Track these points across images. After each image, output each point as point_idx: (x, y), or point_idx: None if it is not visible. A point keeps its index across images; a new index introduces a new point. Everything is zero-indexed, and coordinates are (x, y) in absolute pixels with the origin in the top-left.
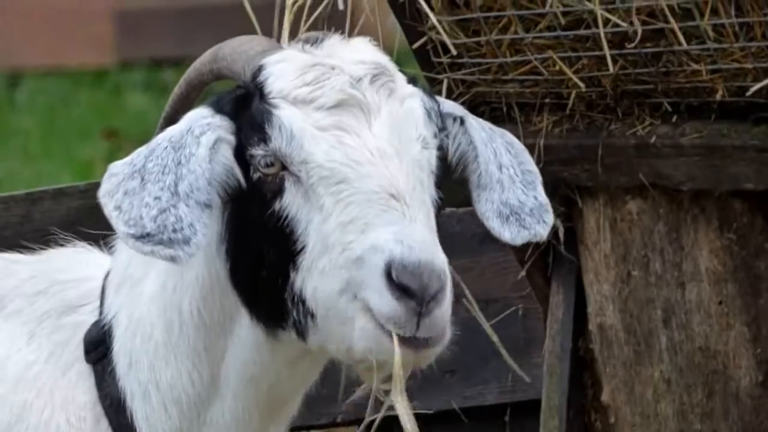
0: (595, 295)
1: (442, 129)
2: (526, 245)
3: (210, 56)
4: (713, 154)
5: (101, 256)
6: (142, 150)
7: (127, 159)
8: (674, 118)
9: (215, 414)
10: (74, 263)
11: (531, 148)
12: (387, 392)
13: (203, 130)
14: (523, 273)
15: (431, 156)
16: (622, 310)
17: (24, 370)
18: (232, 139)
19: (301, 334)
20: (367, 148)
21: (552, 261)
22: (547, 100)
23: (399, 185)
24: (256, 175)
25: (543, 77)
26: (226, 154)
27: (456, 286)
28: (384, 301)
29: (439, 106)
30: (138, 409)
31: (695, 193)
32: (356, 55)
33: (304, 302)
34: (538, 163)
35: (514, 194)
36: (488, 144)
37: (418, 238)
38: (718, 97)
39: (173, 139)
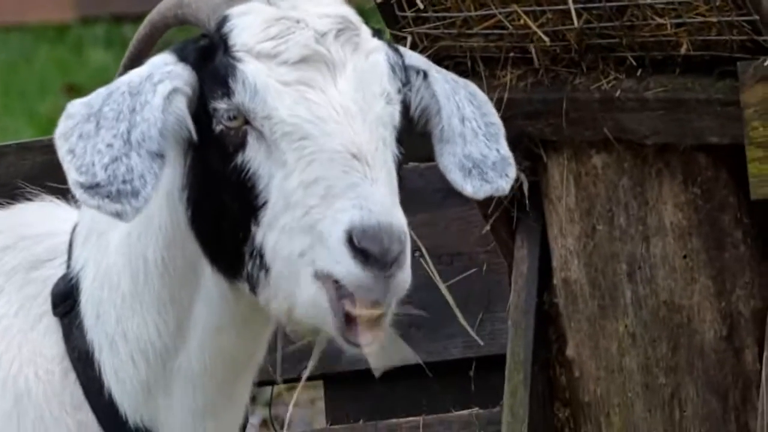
0: (560, 250)
1: (406, 83)
2: (489, 199)
3: (175, 0)
4: (678, 108)
5: (69, 210)
6: (102, 91)
7: (86, 99)
8: (639, 72)
9: (182, 364)
10: (42, 218)
11: (495, 103)
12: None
13: (161, 78)
14: (487, 228)
15: (394, 111)
16: (587, 265)
17: None
18: (188, 90)
19: (253, 288)
20: (332, 105)
21: (516, 216)
22: (511, 55)
23: (362, 145)
24: (218, 128)
25: (507, 31)
26: (180, 106)
27: (412, 243)
28: (351, 271)
29: (403, 59)
30: (106, 361)
31: (660, 147)
32: (321, 8)
33: (262, 256)
34: (501, 118)
35: (477, 148)
36: (451, 97)
37: (377, 200)
38: (683, 51)
39: (132, 84)
